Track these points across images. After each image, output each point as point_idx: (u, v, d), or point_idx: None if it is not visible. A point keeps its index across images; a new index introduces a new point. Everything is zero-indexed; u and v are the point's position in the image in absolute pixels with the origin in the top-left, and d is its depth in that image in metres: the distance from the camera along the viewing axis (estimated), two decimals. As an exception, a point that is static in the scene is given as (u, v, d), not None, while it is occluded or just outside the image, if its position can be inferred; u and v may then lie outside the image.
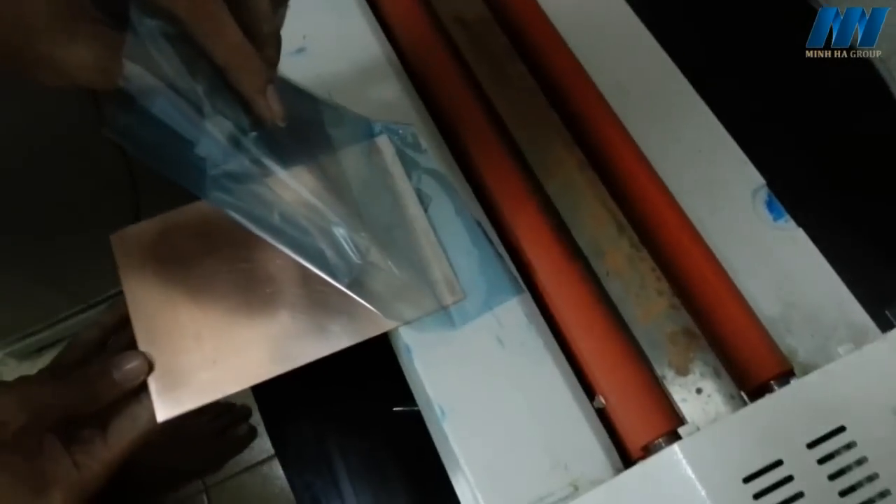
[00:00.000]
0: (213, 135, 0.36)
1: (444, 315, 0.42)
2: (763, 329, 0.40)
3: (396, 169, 0.47)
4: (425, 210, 0.45)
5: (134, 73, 0.33)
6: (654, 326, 0.39)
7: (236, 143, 0.37)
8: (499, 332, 0.42)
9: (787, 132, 0.49)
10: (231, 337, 0.42)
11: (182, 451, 1.00)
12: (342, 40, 0.53)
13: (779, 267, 0.44)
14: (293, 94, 0.44)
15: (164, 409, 0.40)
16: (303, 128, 0.44)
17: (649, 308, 0.40)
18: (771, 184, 0.46)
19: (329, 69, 0.52)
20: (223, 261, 0.44)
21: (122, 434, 0.40)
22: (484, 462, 0.38)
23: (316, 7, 0.54)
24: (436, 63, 0.49)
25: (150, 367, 0.41)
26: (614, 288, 0.40)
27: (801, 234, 0.45)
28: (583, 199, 0.43)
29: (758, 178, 0.46)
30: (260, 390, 0.44)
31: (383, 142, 0.48)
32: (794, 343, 0.42)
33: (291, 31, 0.53)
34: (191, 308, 0.43)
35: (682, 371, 0.38)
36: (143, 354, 0.41)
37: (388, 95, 0.50)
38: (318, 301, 0.42)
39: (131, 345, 0.42)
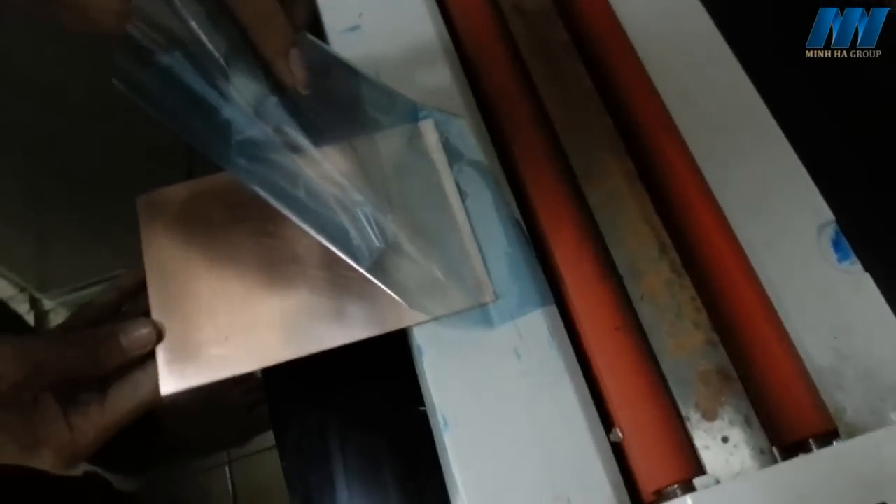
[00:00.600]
0: (235, 99, 0.34)
1: (472, 315, 0.40)
2: (809, 380, 0.36)
3: (439, 156, 0.44)
4: (463, 202, 0.43)
5: (153, 23, 0.31)
6: (685, 361, 0.36)
7: (259, 110, 0.35)
8: (518, 345, 0.40)
9: (864, 165, 0.44)
10: (247, 314, 0.40)
11: (212, 420, 1.01)
12: (399, 21, 0.51)
13: (837, 313, 0.39)
14: (333, 65, 0.42)
15: (169, 381, 0.38)
16: (339, 102, 0.42)
17: (683, 340, 0.36)
18: (840, 220, 0.41)
19: (381, 49, 0.50)
20: (249, 233, 0.42)
21: (122, 401, 0.39)
22: (481, 482, 0.35)
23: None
24: (488, 53, 0.46)
25: (160, 337, 0.39)
26: (647, 313, 0.37)
27: (867, 279, 0.40)
28: (626, 213, 0.39)
29: (826, 213, 0.42)
30: (269, 373, 0.43)
31: (427, 127, 0.45)
32: (844, 400, 0.37)
33: (348, 7, 0.52)
34: (210, 279, 0.41)
35: (710, 415, 0.34)
36: (154, 323, 0.40)
37: (437, 81, 0.48)
38: (343, 286, 0.40)
39: (147, 312, 0.41)
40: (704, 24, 0.49)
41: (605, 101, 0.43)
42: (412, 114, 0.46)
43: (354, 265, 0.38)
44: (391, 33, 0.50)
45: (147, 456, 0.96)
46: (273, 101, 0.35)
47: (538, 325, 0.40)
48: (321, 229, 0.37)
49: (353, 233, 0.38)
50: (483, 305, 0.40)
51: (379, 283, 0.39)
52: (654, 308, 0.37)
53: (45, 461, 0.37)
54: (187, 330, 0.40)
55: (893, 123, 0.45)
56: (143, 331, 0.39)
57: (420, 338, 0.40)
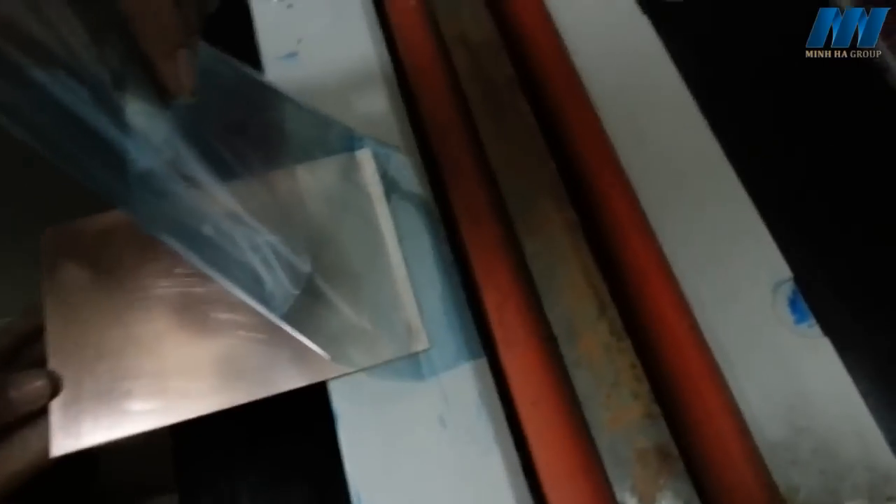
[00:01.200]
0: (126, 123, 0.30)
1: (399, 366, 0.37)
2: (759, 458, 0.33)
3: (375, 189, 0.41)
4: (399, 241, 0.39)
5: (19, 33, 0.26)
6: (622, 437, 0.32)
7: (155, 138, 0.31)
8: (443, 411, 0.36)
9: (826, 217, 0.41)
10: (156, 363, 0.37)
11: (154, 459, 0.95)
12: (339, 49, 0.48)
13: (793, 381, 0.36)
14: (249, 86, 0.37)
15: (62, 441, 0.34)
16: (256, 128, 0.38)
17: (620, 413, 0.32)
18: (798, 278, 0.38)
19: (319, 77, 0.47)
20: (161, 273, 0.39)
21: (7, 463, 0.34)
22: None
23: (317, 12, 0.49)
24: (428, 85, 0.43)
25: (56, 390, 0.36)
26: (582, 381, 0.33)
27: (825, 343, 0.37)
28: (563, 266, 0.36)
29: (784, 270, 0.39)
30: (178, 431, 0.39)
31: (364, 156, 0.42)
32: (798, 478, 0.34)
33: (286, 34, 0.48)
34: (114, 326, 0.38)
35: (647, 500, 0.31)
36: (50, 373, 0.36)
37: (376, 111, 0.45)
38: (264, 332, 0.37)
39: (43, 360, 0.36)
40: (662, 62, 0.46)
41: (549, 142, 0.40)
42: (347, 143, 0.42)
43: (266, 313, 0.34)
44: (330, 61, 0.47)
45: (83, 502, 0.90)
46: (168, 127, 0.31)
47: (466, 387, 0.36)
48: (228, 273, 0.33)
49: (265, 276, 0.34)
50: (413, 355, 0.37)
51: (294, 333, 0.35)
52: (591, 374, 0.33)
53: None
54: (87, 381, 0.36)
55: (861, 171, 0.42)
56: (38, 383, 0.35)
57: (337, 402, 0.36)
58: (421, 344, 0.37)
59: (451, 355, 0.37)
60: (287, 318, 0.35)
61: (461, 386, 0.36)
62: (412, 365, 0.37)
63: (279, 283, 0.34)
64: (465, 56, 0.43)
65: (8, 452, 0.35)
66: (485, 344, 0.37)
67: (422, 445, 0.35)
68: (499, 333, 0.35)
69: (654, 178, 0.41)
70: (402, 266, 0.38)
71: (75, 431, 0.35)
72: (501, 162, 0.39)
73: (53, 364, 0.36)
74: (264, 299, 0.34)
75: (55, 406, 0.35)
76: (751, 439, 0.33)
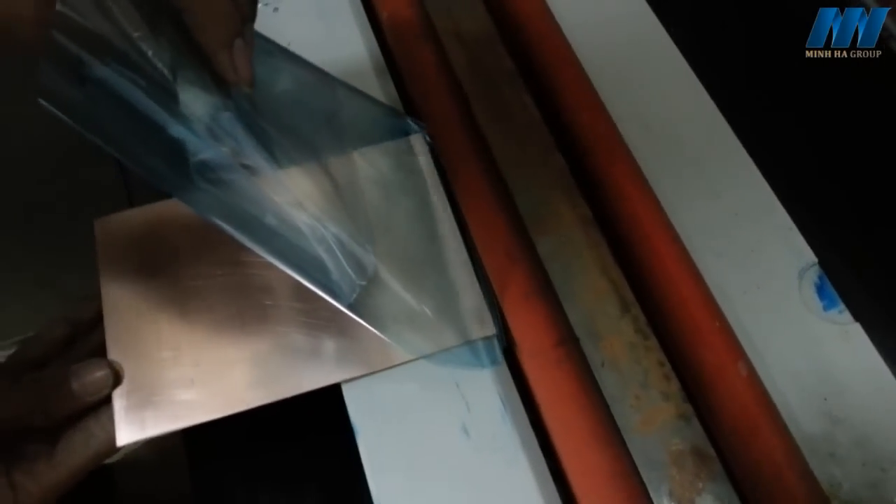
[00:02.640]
0: (185, 115, 0.29)
1: (461, 353, 0.35)
2: (799, 454, 0.31)
3: (430, 173, 0.39)
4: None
5: (81, 29, 0.27)
6: (655, 439, 0.30)
7: (213, 127, 0.30)
8: (466, 420, 0.34)
9: (847, 198, 0.40)
10: (215, 354, 0.35)
11: (171, 476, 0.94)
12: (330, 50, 0.46)
13: (826, 370, 0.34)
14: (299, 72, 0.37)
15: (127, 431, 0.33)
16: (310, 115, 0.37)
17: (651, 414, 0.31)
18: (823, 263, 0.37)
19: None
20: (218, 262, 0.37)
21: (72, 455, 0.33)
22: None
23: (304, 14, 0.47)
24: (424, 82, 0.41)
25: (118, 380, 0.34)
26: (610, 383, 0.32)
27: (857, 329, 0.35)
28: (580, 264, 0.34)
29: (808, 255, 0.37)
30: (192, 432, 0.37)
31: (417, 140, 0.40)
32: (839, 473, 0.32)
33: (277, 33, 0.47)
34: (173, 315, 0.36)
35: (686, 505, 0.29)
36: (111, 364, 0.34)
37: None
38: (323, 321, 0.36)
39: (101, 349, 0.35)
40: (667, 48, 0.44)
41: (556, 136, 0.38)
42: (400, 127, 0.41)
43: (335, 303, 0.33)
44: (321, 64, 0.45)
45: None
46: (228, 115, 0.30)
47: (488, 394, 0.35)
48: (294, 264, 0.32)
49: (331, 267, 0.33)
50: (473, 342, 0.35)
51: (362, 322, 0.34)
52: (617, 376, 0.32)
53: None
54: (148, 373, 0.35)
55: (880, 149, 0.41)
56: (99, 374, 0.34)
57: (356, 416, 0.35)
58: (486, 329, 0.35)
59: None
60: (353, 307, 0.34)
61: (483, 393, 0.35)
62: (472, 352, 0.35)
63: (345, 273, 0.33)
64: (460, 51, 0.41)
65: (72, 444, 0.33)
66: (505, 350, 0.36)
67: (446, 456, 0.33)
68: (519, 336, 0.34)
69: (667, 167, 0.39)
70: (463, 250, 0.37)
71: (139, 422, 0.34)
72: (506, 159, 0.38)
73: (113, 354, 0.35)
74: (331, 289, 0.33)
75: (118, 397, 0.34)
76: (788, 434, 0.31)
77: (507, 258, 0.36)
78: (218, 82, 0.30)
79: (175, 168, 0.30)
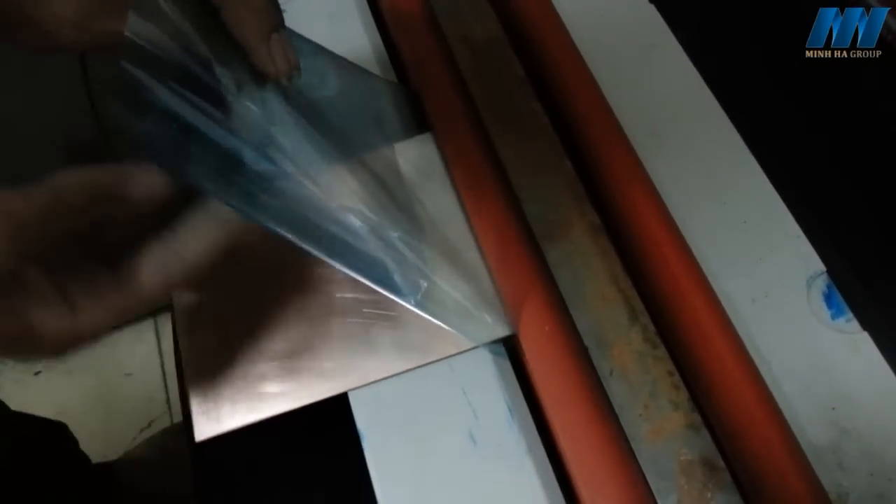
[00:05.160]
0: (240, 129, 0.29)
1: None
2: (807, 464, 0.31)
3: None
4: None
5: (147, 54, 0.27)
6: (663, 449, 0.30)
7: (267, 137, 0.30)
8: (472, 426, 0.34)
9: (856, 205, 0.40)
10: (286, 347, 0.36)
11: (174, 474, 0.93)
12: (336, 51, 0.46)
13: (834, 380, 0.34)
14: (331, 67, 0.36)
15: (205, 427, 0.34)
16: (350, 111, 0.37)
17: (661, 424, 0.31)
18: (833, 271, 0.37)
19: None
20: (285, 254, 0.37)
21: (142, 276, 0.27)
22: None
23: (313, 17, 0.47)
24: (432, 87, 0.41)
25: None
26: (618, 392, 0.32)
27: (865, 339, 0.35)
28: (589, 272, 0.34)
29: (817, 263, 0.37)
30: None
31: None
32: (847, 483, 0.32)
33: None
34: (243, 308, 0.37)
35: (695, 516, 0.29)
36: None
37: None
38: (389, 310, 0.36)
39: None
40: (674, 51, 0.44)
41: (565, 142, 0.38)
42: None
43: (403, 303, 0.34)
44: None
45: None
46: (280, 125, 0.30)
47: (495, 401, 0.35)
48: (356, 266, 0.32)
49: (394, 268, 0.33)
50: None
51: (430, 318, 0.34)
52: (626, 385, 0.32)
53: (35, 349, 0.26)
54: (220, 365, 0.35)
55: (890, 157, 0.41)
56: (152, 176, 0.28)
57: (361, 421, 0.35)
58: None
59: None
60: (418, 304, 0.34)
61: (490, 400, 0.35)
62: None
63: (408, 275, 0.33)
64: (469, 56, 0.41)
65: (142, 266, 0.27)
66: (510, 358, 0.36)
67: (453, 463, 0.33)
68: (527, 344, 0.34)
69: (675, 174, 0.39)
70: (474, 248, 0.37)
71: (216, 416, 0.34)
72: (514, 165, 0.38)
73: (184, 347, 0.35)
74: (396, 290, 0.33)
75: (194, 391, 0.34)
76: (796, 444, 0.31)
77: (512, 265, 0.36)
78: (259, 78, 0.30)
79: (233, 185, 0.30)
